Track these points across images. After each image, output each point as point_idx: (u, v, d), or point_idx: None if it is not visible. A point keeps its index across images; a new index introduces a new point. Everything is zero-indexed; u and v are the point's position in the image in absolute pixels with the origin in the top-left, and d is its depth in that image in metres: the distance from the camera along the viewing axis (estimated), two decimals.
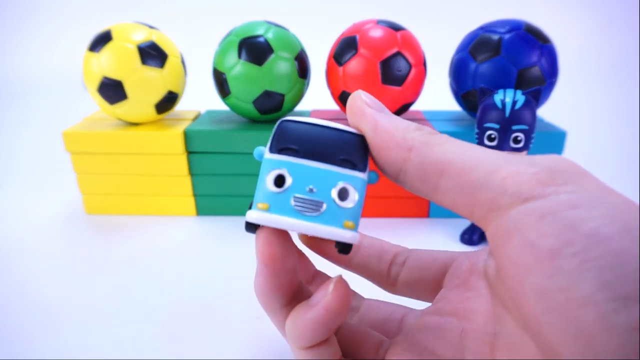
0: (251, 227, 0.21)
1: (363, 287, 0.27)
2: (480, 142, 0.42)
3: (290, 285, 0.21)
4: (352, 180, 0.19)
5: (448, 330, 0.21)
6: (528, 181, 0.16)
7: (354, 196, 0.19)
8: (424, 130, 0.20)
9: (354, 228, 0.19)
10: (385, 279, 0.25)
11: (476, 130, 0.42)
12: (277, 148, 0.19)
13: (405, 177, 0.19)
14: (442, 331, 0.21)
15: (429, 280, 0.24)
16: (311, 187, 0.19)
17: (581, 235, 0.14)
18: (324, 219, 0.19)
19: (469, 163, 0.17)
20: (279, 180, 0.19)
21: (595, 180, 0.16)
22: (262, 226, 0.19)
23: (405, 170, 0.19)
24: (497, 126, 0.40)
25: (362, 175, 0.20)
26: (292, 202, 0.18)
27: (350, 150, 0.20)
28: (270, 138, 0.19)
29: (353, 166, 0.20)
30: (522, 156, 0.17)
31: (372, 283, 0.27)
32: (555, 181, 0.16)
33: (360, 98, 0.21)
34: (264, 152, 0.19)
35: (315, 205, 0.19)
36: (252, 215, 0.18)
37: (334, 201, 0.19)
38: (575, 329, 0.13)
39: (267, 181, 0.18)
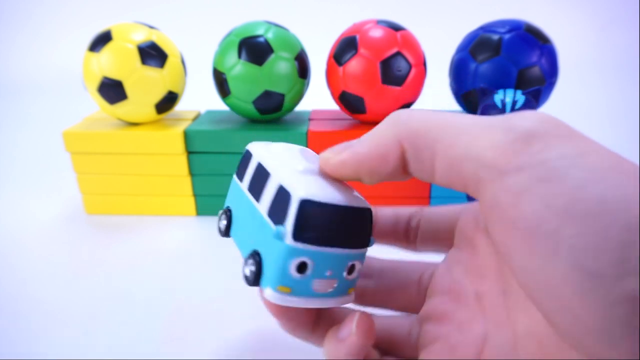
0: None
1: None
2: None
3: (308, 319, 0.23)
4: (361, 256, 0.21)
5: (464, 296, 0.21)
6: (504, 152, 0.15)
7: (359, 268, 0.22)
8: (396, 112, 0.19)
9: (353, 291, 0.23)
10: (405, 243, 0.26)
11: None
12: (301, 236, 0.19)
13: (410, 170, 0.19)
14: (458, 295, 0.21)
15: (442, 237, 0.25)
16: (330, 271, 0.20)
17: (552, 214, 0.14)
18: (335, 293, 0.21)
19: (452, 136, 0.17)
20: (301, 267, 0.19)
21: (575, 140, 0.15)
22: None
23: (406, 164, 0.19)
24: None
25: (367, 249, 0.22)
26: (314, 286, 0.20)
27: (363, 229, 0.21)
28: (293, 222, 0.19)
29: (364, 245, 0.21)
30: (503, 118, 0.17)
31: (396, 248, 0.27)
32: (530, 148, 0.15)
33: (324, 158, 0.21)
34: (285, 235, 0.19)
35: (331, 286, 0.20)
36: (272, 296, 0.19)
37: (344, 277, 0.21)
38: (558, 305, 0.14)
39: (291, 268, 0.19)
